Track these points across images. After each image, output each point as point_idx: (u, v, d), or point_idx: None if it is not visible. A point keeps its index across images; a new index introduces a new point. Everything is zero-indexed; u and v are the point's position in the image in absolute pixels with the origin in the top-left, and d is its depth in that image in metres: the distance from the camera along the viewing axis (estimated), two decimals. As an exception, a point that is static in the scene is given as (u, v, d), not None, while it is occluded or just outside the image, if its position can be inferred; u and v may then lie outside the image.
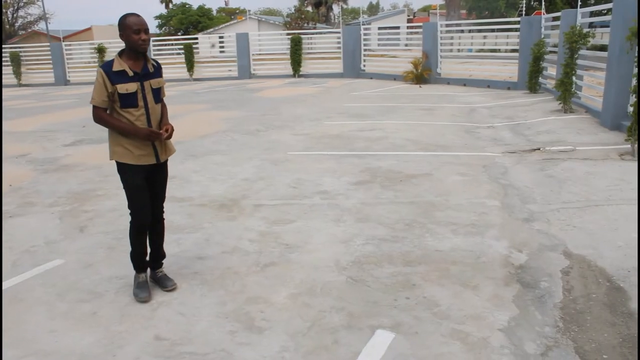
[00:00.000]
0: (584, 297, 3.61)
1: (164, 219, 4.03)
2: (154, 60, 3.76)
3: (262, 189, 6.38)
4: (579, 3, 12.91)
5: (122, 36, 3.54)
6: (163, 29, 61.36)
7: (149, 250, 3.98)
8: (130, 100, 3.58)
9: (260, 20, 51.93)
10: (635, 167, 6.60)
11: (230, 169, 7.35)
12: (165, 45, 26.64)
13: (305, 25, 44.75)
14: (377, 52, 24.31)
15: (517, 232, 4.81)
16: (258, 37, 24.26)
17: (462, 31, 24.46)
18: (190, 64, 23.58)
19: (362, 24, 22.70)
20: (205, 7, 60.31)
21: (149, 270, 4.00)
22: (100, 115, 3.61)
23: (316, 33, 26.85)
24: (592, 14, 12.54)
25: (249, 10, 55.73)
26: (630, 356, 2.96)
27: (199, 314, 3.53)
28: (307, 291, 3.80)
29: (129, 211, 3.78)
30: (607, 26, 9.75)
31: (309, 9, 51.28)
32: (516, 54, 16.48)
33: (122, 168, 3.69)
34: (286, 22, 47.81)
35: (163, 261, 4.08)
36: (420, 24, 21.48)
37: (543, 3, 20.23)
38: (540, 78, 14.37)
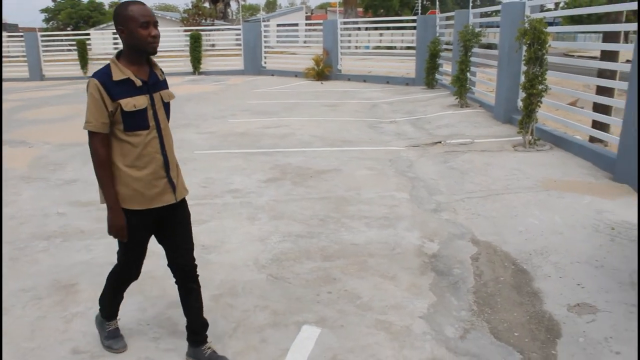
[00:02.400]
0: (493, 280, 3.86)
1: (197, 275, 3.04)
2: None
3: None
4: (470, 4, 13.61)
5: (122, 32, 2.61)
6: (50, 23, 58.06)
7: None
8: (140, 120, 2.65)
9: (156, 16, 50.36)
10: (529, 157, 7.09)
11: (137, 170, 7.11)
12: (54, 41, 25.18)
13: (203, 21, 43.95)
14: (276, 49, 24.37)
15: (427, 222, 5.03)
16: (155, 34, 23.51)
17: (360, 29, 25.04)
18: (84, 61, 22.48)
19: (262, 21, 22.61)
20: (97, 1, 57.73)
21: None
22: (101, 151, 2.63)
23: (216, 29, 26.46)
24: (483, 14, 13.26)
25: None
26: (536, 331, 3.21)
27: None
28: (228, 291, 3.78)
29: (118, 261, 3.01)
30: (497, 26, 10.36)
31: (207, 5, 50.38)
32: (413, 51, 17.11)
33: (127, 216, 2.75)
34: (183, 18, 46.72)
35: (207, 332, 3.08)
36: (320, 21, 21.78)
37: (437, 3, 21.09)
38: (436, 74, 15.03)
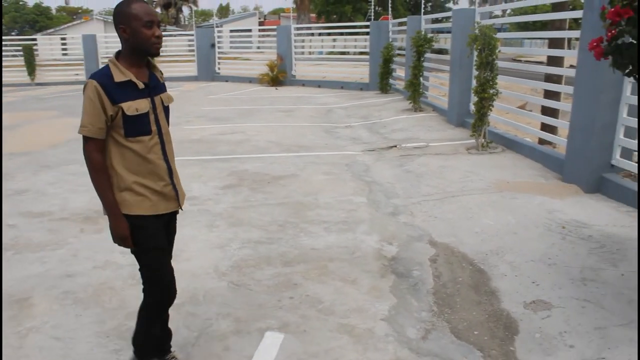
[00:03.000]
0: (451, 281, 3.93)
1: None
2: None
3: (127, 198, 6.10)
4: (422, 10, 13.86)
5: (123, 31, 2.46)
6: (-8, 28, 56.18)
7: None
8: (141, 125, 2.53)
9: (106, 21, 49.36)
10: (482, 160, 7.26)
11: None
12: (-2, 46, 24.34)
13: (155, 27, 43.26)
14: (229, 54, 24.22)
15: (386, 225, 5.09)
16: (105, 39, 23.04)
17: (313, 34, 25.16)
18: (31, 67, 21.79)
19: (215, 26, 22.43)
20: (43, 4, 56.22)
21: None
22: (96, 157, 2.48)
23: (168, 35, 26.12)
24: (434, 20, 13.53)
25: (92, 11, 52.83)
26: (495, 329, 3.29)
27: (76, 336, 3.31)
28: (190, 300, 3.73)
29: (146, 286, 2.75)
30: (449, 32, 10.59)
31: (158, 10, 49.69)
32: (367, 57, 17.29)
33: (134, 224, 2.57)
34: (134, 23, 45.84)
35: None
36: (274, 26, 21.74)
37: (390, 9, 21.37)
38: (390, 79, 15.23)
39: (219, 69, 21.89)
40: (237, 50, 24.92)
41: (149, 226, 2.61)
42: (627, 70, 3.00)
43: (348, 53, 22.13)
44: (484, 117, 7.73)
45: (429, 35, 11.72)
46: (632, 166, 5.73)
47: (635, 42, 2.79)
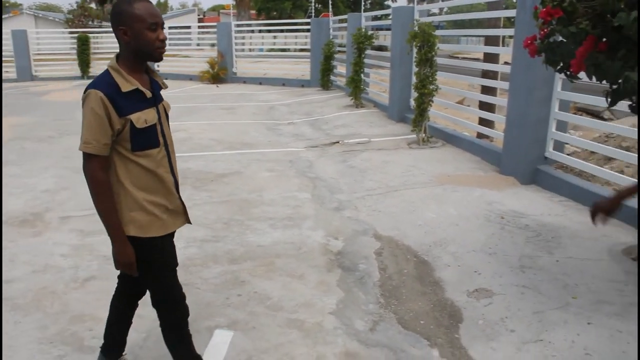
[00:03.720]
0: (397, 273, 4.02)
1: None
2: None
3: (66, 199, 5.92)
4: (362, 7, 14.02)
5: (124, 33, 2.22)
6: None
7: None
8: (150, 138, 2.32)
9: (37, 16, 47.59)
10: (423, 154, 7.43)
11: (26, 180, 6.69)
12: None
13: (90, 23, 42.01)
14: (169, 51, 23.76)
15: (331, 220, 5.14)
16: (37, 35, 22.19)
17: (253, 31, 25.01)
18: None
19: (154, 23, 21.94)
20: None
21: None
22: (101, 176, 2.24)
23: (105, 32, 25.39)
24: (375, 18, 13.71)
25: (22, 5, 50.75)
26: (440, 318, 3.39)
27: (16, 344, 3.19)
28: (140, 302, 3.65)
29: (162, 306, 2.60)
30: (389, 29, 10.76)
31: (93, 5, 48.18)
32: (308, 54, 17.34)
33: (147, 245, 2.39)
34: (68, 19, 44.38)
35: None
36: (214, 23, 21.52)
37: (330, 6, 21.49)
38: (331, 76, 15.33)
39: (158, 66, 21.44)
40: (176, 47, 24.50)
41: (163, 246, 2.45)
42: (558, 67, 3.14)
43: (289, 50, 22.10)
44: (424, 112, 7.91)
45: (369, 32, 11.87)
46: (563, 158, 6.00)
47: (565, 40, 2.93)
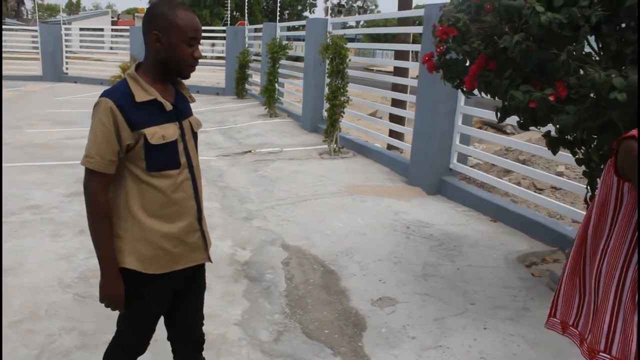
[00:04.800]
0: (303, 283, 4.04)
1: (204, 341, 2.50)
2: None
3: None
4: (277, 17, 14.08)
5: (156, 39, 1.95)
6: None
7: None
8: (169, 157, 2.01)
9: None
10: (334, 164, 7.53)
11: None
12: None
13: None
14: (79, 54, 22.86)
15: (239, 230, 5.10)
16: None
17: (169, 37, 24.51)
18: None
19: (63, 23, 21.04)
20: None
21: None
22: (102, 197, 1.97)
23: (7, 30, 24.04)
24: (289, 28, 13.80)
25: None
26: (345, 327, 3.43)
27: None
28: (29, 316, 3.47)
29: (118, 327, 2.28)
30: (303, 40, 10.87)
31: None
32: (223, 61, 17.19)
33: (142, 282, 2.05)
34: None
35: None
36: (127, 27, 20.88)
37: (246, 15, 21.43)
38: (246, 85, 15.27)
39: (67, 69, 20.55)
40: (87, 50, 23.58)
41: (157, 287, 2.09)
42: (455, 83, 3.29)
43: (205, 57, 21.82)
44: (336, 123, 8.03)
45: (284, 42, 11.94)
46: (466, 170, 6.27)
47: (461, 57, 3.07)
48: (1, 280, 3.73)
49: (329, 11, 12.08)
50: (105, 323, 3.40)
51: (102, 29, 27.61)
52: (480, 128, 13.36)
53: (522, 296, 3.88)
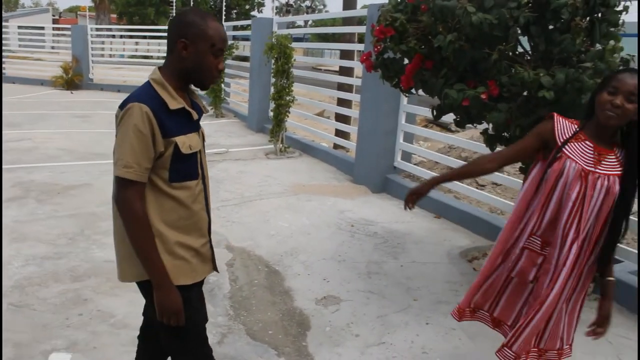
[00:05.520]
0: (248, 284, 4.02)
1: None
2: None
3: None
4: (223, 17, 13.95)
5: (183, 47, 1.89)
6: None
7: None
8: (191, 167, 1.98)
9: None
10: (280, 164, 7.52)
11: None
12: None
13: None
14: (17, 53, 22.08)
15: (184, 233, 5.03)
16: None
17: (114, 36, 23.99)
18: None
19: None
20: None
21: None
22: (141, 207, 1.86)
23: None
24: (236, 27, 13.71)
25: None
26: (289, 327, 3.43)
27: None
28: (-42, 328, 3.33)
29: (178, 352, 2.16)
30: (249, 39, 10.81)
31: None
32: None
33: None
34: None
35: None
36: (69, 25, 20.28)
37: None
38: (192, 85, 15.09)
39: (4, 69, 19.82)
40: (26, 49, 22.79)
41: (192, 297, 2.05)
42: (393, 82, 3.34)
43: (152, 57, 21.42)
44: (281, 123, 8.03)
45: (230, 42, 11.85)
46: (410, 168, 6.36)
47: (398, 57, 3.12)
48: (1, 279, 3.67)
49: (274, 10, 12.09)
50: (41, 332, 3.31)
51: (42, 28, 26.76)
52: (425, 126, 13.63)
53: (463, 290, 3.96)
